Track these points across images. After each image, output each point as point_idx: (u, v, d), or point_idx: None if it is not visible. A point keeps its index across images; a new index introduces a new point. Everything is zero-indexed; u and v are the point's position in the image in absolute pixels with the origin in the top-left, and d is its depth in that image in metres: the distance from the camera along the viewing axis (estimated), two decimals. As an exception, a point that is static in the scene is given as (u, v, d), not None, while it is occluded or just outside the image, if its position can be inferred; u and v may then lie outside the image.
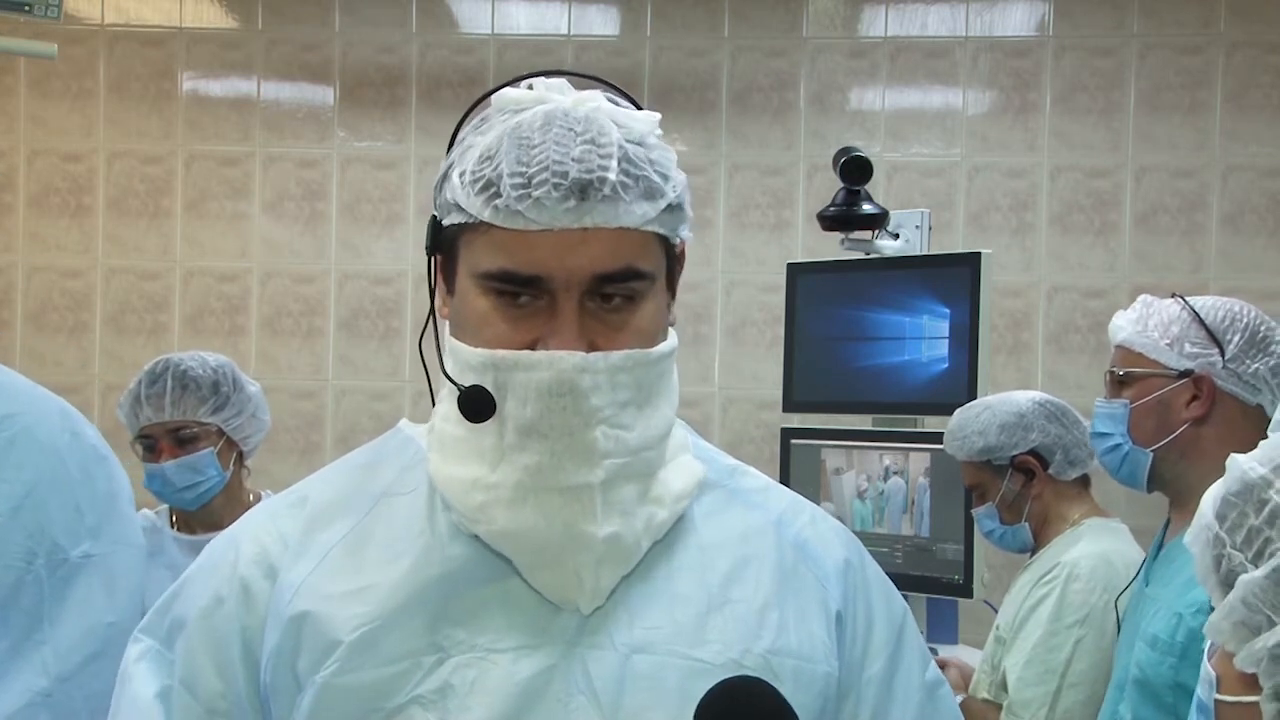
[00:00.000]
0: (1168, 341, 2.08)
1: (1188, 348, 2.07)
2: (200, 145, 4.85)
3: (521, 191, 1.06)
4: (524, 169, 1.06)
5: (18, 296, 4.86)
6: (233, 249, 4.84)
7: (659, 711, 1.08)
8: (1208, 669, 1.07)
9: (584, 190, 1.05)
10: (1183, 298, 2.12)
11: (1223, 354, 2.04)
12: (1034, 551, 2.84)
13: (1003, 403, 2.80)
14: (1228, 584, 1.01)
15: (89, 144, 4.86)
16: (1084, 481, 2.81)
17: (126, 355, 4.79)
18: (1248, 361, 2.04)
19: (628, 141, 1.09)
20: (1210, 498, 1.07)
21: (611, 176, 1.06)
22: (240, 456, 2.65)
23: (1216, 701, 1.04)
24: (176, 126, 4.85)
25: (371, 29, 4.83)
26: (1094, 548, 2.63)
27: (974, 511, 2.87)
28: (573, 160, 1.06)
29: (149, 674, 1.15)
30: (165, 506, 2.67)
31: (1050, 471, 2.76)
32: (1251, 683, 1.00)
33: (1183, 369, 2.07)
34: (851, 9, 4.76)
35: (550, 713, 1.08)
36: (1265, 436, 1.95)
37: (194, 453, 2.56)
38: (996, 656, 2.70)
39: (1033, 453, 2.75)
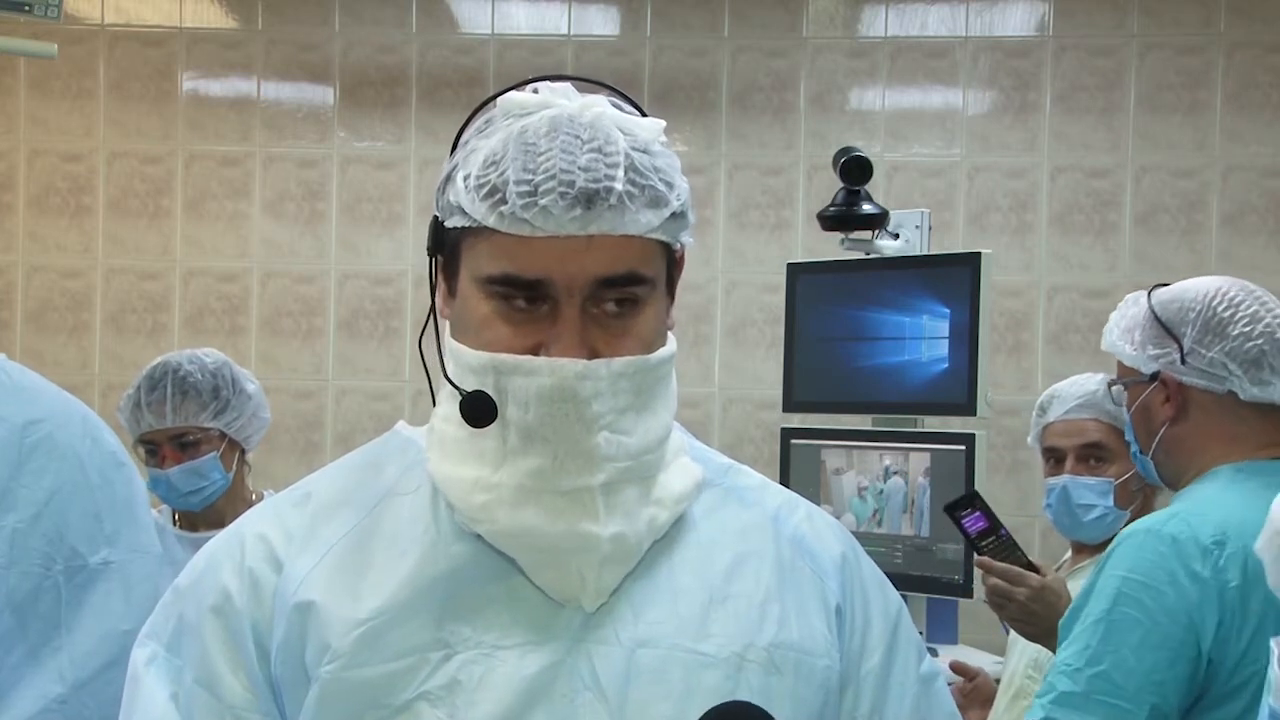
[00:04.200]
0: (1134, 347, 2.03)
1: (1150, 349, 2.00)
2: (200, 145, 4.85)
3: (528, 199, 1.06)
4: (530, 176, 1.06)
5: (18, 296, 4.86)
6: (233, 249, 4.84)
7: (664, 705, 1.09)
8: (1279, 676, 1.04)
9: (590, 200, 1.05)
10: (1150, 291, 2.04)
11: (1180, 349, 1.97)
12: (1081, 549, 2.78)
13: None
14: None
15: (89, 144, 4.86)
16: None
17: (126, 355, 4.79)
18: (1203, 351, 1.95)
19: (633, 149, 1.09)
20: None
21: (618, 186, 1.06)
22: (242, 454, 2.65)
23: None
24: (176, 126, 4.85)
25: (371, 29, 4.83)
26: None
27: (1077, 478, 2.67)
28: (579, 169, 1.06)
29: (159, 679, 1.15)
30: (166, 505, 2.68)
31: None
32: None
33: (1151, 372, 2.01)
34: (851, 9, 4.76)
35: (557, 708, 1.08)
36: (1245, 422, 1.93)
37: (197, 457, 2.56)
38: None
39: None
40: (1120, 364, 2.09)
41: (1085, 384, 2.71)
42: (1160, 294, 2.03)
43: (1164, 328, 1.99)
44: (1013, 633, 2.70)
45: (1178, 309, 1.99)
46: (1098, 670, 1.77)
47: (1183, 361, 1.97)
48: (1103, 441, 2.68)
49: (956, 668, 2.74)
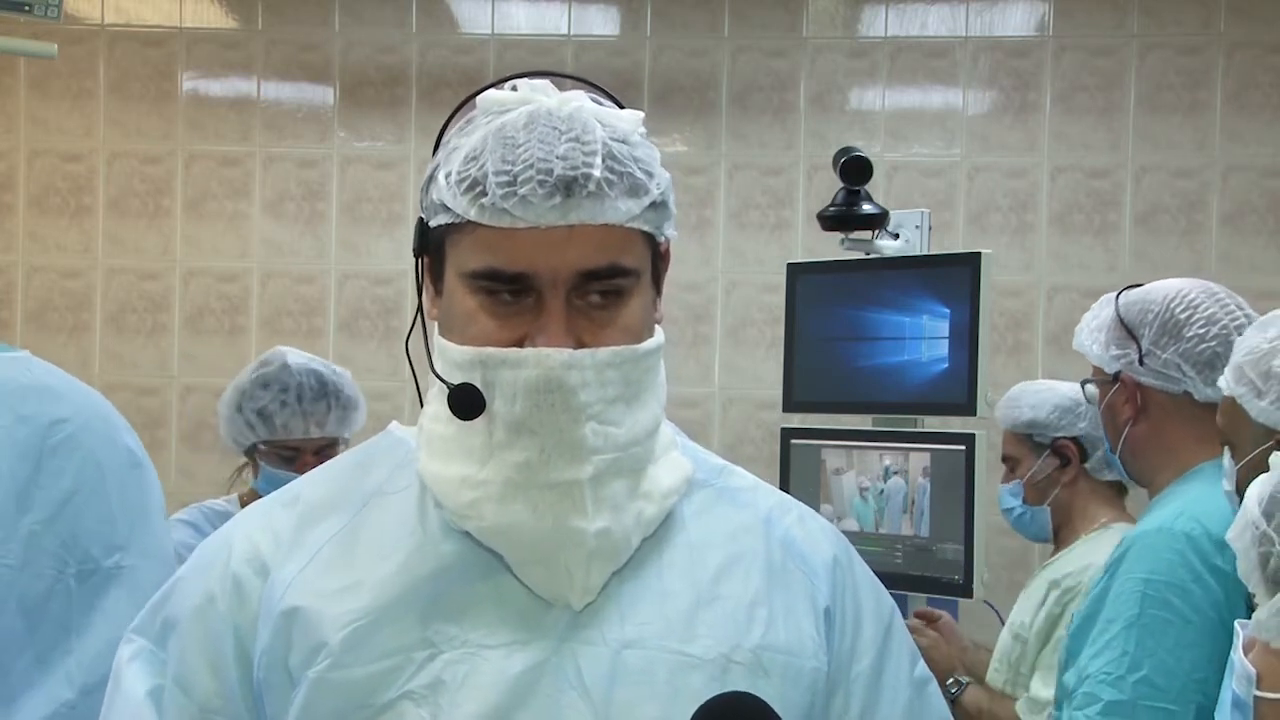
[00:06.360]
0: (1100, 346, 2.07)
1: (1113, 349, 2.04)
2: (200, 145, 4.85)
3: (507, 189, 1.06)
4: (509, 167, 1.07)
5: (18, 296, 4.86)
6: (233, 249, 4.84)
7: (649, 706, 1.09)
8: (1245, 665, 1.05)
9: (569, 187, 1.06)
10: (1119, 293, 2.08)
11: (1139, 350, 2.00)
12: (1054, 548, 2.83)
13: (1067, 386, 2.79)
14: (1276, 581, 1.00)
15: (89, 144, 4.86)
16: (1119, 489, 2.79)
17: (126, 355, 4.79)
18: (1158, 353, 2.00)
19: (612, 139, 1.10)
20: (1255, 496, 1.06)
21: (596, 173, 1.07)
22: None
23: (1256, 698, 1.03)
24: (176, 126, 4.85)
25: (371, 29, 4.83)
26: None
27: (1001, 485, 2.88)
28: (557, 158, 1.07)
29: (140, 673, 1.16)
30: (235, 495, 2.71)
31: (1086, 465, 2.75)
32: None
33: (1114, 372, 2.05)
34: (851, 9, 4.75)
35: (541, 708, 1.08)
36: (1205, 423, 1.95)
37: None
38: (1014, 654, 2.66)
39: (1075, 440, 2.75)
40: (1090, 363, 2.13)
41: (1007, 399, 2.88)
42: (1128, 295, 2.07)
43: (1126, 328, 2.03)
44: (1002, 631, 2.73)
45: (1139, 310, 2.03)
46: (1139, 676, 1.78)
47: (1140, 362, 2.01)
48: (1008, 453, 2.88)
49: (920, 614, 2.90)
